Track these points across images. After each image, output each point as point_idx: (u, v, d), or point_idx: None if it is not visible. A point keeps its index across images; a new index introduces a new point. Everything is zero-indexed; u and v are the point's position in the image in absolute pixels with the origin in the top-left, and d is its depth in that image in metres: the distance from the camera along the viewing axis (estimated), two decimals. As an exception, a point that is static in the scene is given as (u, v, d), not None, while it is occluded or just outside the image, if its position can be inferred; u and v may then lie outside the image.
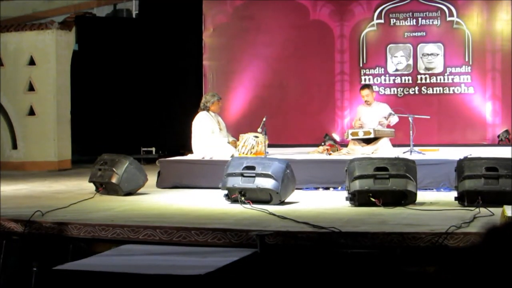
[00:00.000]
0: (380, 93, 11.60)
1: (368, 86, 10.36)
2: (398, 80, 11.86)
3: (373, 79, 11.86)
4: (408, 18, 11.78)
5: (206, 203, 7.87)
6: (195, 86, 12.68)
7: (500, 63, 11.50)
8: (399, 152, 9.24)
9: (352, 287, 5.62)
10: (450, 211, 6.83)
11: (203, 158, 9.55)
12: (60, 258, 5.83)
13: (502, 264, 1.77)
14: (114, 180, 8.54)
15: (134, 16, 13.78)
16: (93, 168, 9.01)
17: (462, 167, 7.25)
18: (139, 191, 8.78)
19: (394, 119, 10.04)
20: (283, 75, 12.27)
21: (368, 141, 9.79)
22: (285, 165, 7.76)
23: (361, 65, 11.97)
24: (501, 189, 7.07)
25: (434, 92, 11.72)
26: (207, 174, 9.18)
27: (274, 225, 6.28)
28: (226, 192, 7.84)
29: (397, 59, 11.86)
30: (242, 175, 7.73)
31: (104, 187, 8.71)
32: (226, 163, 8.00)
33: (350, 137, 9.85)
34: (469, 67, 11.57)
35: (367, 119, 10.12)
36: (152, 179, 9.25)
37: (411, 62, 11.80)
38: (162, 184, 9.46)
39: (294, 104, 12.20)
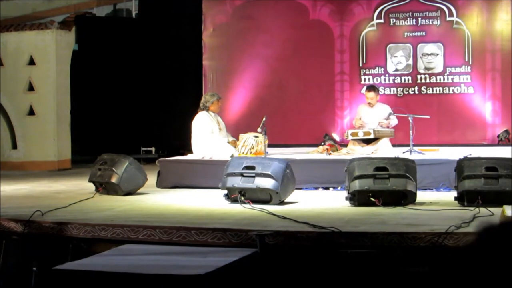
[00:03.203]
0: (380, 93, 11.58)
1: (374, 89, 10.27)
2: (398, 80, 11.86)
3: (373, 79, 11.86)
4: (408, 18, 11.78)
5: (206, 203, 7.87)
6: (195, 86, 12.67)
7: (500, 63, 11.50)
8: (399, 152, 9.24)
9: (352, 287, 5.62)
10: (450, 211, 6.83)
11: (203, 158, 9.56)
12: (60, 258, 5.83)
13: (497, 263, 1.77)
14: (114, 180, 8.54)
15: (134, 16, 13.77)
16: (93, 168, 9.01)
17: (462, 167, 7.26)
18: (139, 191, 8.78)
19: (394, 121, 10.04)
20: (283, 75, 12.28)
21: (368, 141, 9.78)
22: (285, 165, 7.76)
23: (361, 65, 11.97)
24: (501, 189, 7.07)
25: (434, 92, 11.72)
26: (207, 174, 9.18)
27: (274, 225, 6.28)
28: (226, 192, 7.84)
29: (397, 59, 11.85)
30: (242, 175, 7.73)
31: (104, 187, 8.71)
32: (226, 163, 8.01)
33: (350, 137, 9.85)
34: (469, 67, 11.57)
35: (367, 119, 10.12)
36: (152, 179, 9.25)
37: (411, 62, 11.80)
38: (162, 184, 9.46)
39: (294, 104, 12.20)
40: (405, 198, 7.30)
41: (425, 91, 11.75)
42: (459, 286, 1.76)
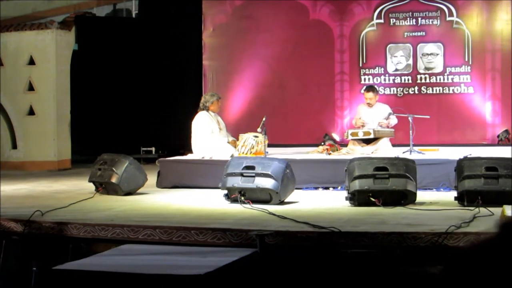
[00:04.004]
0: (380, 93, 11.58)
1: (372, 89, 10.26)
2: (397, 80, 11.86)
3: (373, 79, 11.86)
4: (408, 18, 11.78)
5: (206, 203, 7.87)
6: (195, 86, 12.67)
7: (500, 63, 11.49)
8: (399, 152, 9.24)
9: (352, 287, 5.62)
10: (450, 211, 6.83)
11: (203, 158, 9.56)
12: (60, 258, 5.83)
13: None
14: (113, 180, 8.54)
15: (134, 16, 13.78)
16: (92, 168, 9.01)
17: (462, 167, 7.26)
18: (139, 191, 8.78)
19: (393, 121, 10.05)
20: (283, 75, 12.28)
21: (368, 141, 9.78)
22: (284, 165, 7.76)
23: (360, 65, 11.97)
24: (501, 189, 7.07)
25: (434, 92, 11.72)
26: (207, 174, 9.18)
27: (274, 225, 6.28)
28: (225, 192, 7.84)
29: (397, 59, 11.85)
30: (241, 175, 7.73)
31: (104, 187, 8.71)
32: (226, 163, 8.01)
33: (350, 137, 9.85)
34: (469, 67, 11.57)
35: (367, 119, 10.12)
36: (152, 179, 9.26)
37: (410, 62, 11.80)
38: (162, 184, 9.46)
39: (294, 104, 12.20)
40: (405, 198, 7.30)
41: (425, 91, 11.75)
42: (478, 285, 1.74)
